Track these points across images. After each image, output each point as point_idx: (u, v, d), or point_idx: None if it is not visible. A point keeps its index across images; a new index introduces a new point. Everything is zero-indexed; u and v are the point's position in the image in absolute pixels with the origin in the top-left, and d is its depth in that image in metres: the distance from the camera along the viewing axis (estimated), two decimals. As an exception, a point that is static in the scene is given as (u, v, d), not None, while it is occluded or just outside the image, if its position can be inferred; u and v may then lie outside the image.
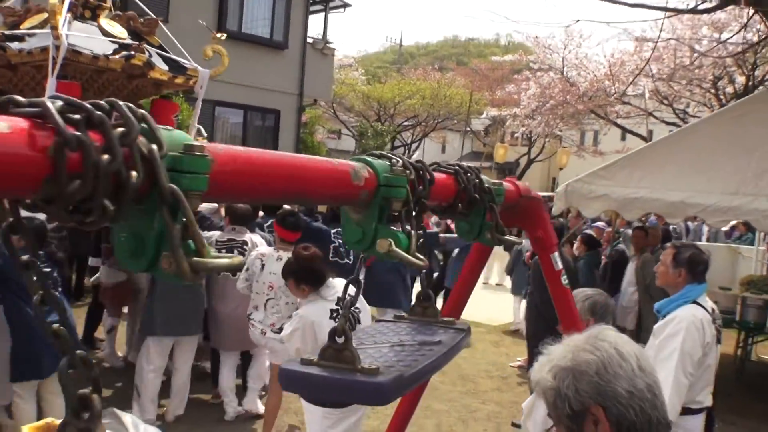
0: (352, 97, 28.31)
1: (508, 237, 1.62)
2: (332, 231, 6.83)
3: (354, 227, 1.20)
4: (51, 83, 4.84)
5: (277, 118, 17.14)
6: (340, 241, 6.80)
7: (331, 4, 19.35)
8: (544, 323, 5.48)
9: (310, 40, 17.90)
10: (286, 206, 5.33)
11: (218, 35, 6.12)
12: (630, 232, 8.76)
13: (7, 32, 5.30)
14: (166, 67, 5.69)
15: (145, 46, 5.48)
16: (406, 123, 29.98)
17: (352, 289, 1.24)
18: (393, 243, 1.15)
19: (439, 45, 68.66)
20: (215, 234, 5.49)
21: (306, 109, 22.40)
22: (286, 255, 4.73)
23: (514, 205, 1.84)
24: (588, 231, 9.15)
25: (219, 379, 5.47)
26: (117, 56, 5.19)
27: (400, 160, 1.24)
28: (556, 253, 2.12)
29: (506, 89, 24.09)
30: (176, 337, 5.16)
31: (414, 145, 33.89)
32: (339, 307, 3.54)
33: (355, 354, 1.13)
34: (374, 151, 1.27)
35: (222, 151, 0.85)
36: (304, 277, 3.82)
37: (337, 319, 3.44)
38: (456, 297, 2.24)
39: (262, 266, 4.83)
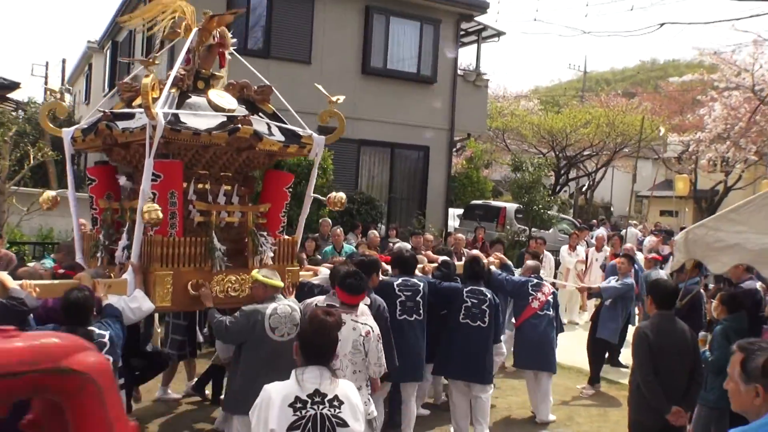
0: (523, 128, 27.49)
1: None
2: (465, 289, 6.31)
3: None
4: (147, 165, 4.69)
5: (426, 154, 16.77)
6: (474, 301, 6.16)
7: (484, 34, 18.75)
8: (649, 413, 4.61)
9: (460, 72, 17.43)
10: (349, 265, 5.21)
11: (335, 99, 5.75)
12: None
13: (116, 111, 5.26)
14: (277, 137, 5.40)
15: (253, 117, 5.22)
16: (585, 152, 28.50)
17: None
18: None
19: (636, 69, 65.01)
20: (317, 299, 5.16)
21: (465, 143, 21.99)
22: (349, 319, 4.53)
23: None
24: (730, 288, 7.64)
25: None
26: (220, 131, 4.96)
27: None
28: None
29: (697, 112, 21.98)
30: None
31: (598, 175, 32.15)
32: (309, 400, 2.98)
33: None
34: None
35: None
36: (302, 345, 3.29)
37: (297, 414, 2.92)
38: None
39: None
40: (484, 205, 19.54)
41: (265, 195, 5.63)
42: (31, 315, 4.29)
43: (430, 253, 7.71)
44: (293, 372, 3.04)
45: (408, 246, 9.02)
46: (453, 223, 18.62)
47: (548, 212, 17.04)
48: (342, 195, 6.01)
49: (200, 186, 5.25)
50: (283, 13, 14.66)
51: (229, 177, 5.48)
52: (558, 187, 28.83)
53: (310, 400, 2.94)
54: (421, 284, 6.18)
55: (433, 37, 16.35)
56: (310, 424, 2.92)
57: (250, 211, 5.36)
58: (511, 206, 18.28)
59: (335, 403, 2.99)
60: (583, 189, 33.82)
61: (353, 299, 4.66)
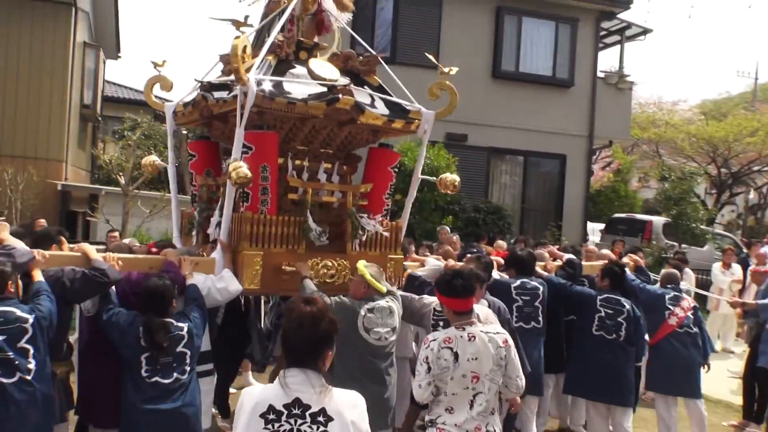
0: (679, 139, 24.89)
1: None
2: (598, 297, 5.52)
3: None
4: (238, 135, 4.36)
5: (562, 163, 15.83)
6: (609, 311, 5.36)
7: (628, 33, 17.57)
8: None
9: (601, 75, 16.39)
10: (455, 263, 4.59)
11: (446, 70, 5.21)
12: None
13: (214, 81, 5.01)
14: (381, 111, 4.94)
15: (354, 87, 4.78)
16: (754, 166, 25.55)
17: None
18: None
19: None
20: (434, 301, 4.53)
21: (611, 154, 20.71)
22: (478, 331, 3.71)
23: None
24: None
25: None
26: (318, 101, 4.56)
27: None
28: None
29: None
30: None
31: None
32: (285, 411, 2.33)
33: None
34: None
35: None
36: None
37: (267, 428, 2.30)
38: None
39: (455, 356, 3.66)
40: (628, 218, 18.12)
41: (367, 174, 5.16)
42: (114, 288, 4.08)
43: (554, 249, 6.91)
44: (279, 374, 2.43)
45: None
46: (593, 238, 17.40)
47: (701, 227, 15.46)
48: (455, 177, 5.41)
49: (298, 162, 4.87)
50: (410, 16, 14.38)
51: (330, 154, 5.07)
52: (720, 205, 26.32)
53: (286, 412, 2.30)
54: (542, 288, 5.47)
55: (569, 37, 15.46)
56: None
57: (350, 191, 4.91)
58: (659, 220, 16.79)
59: (320, 419, 2.31)
60: (754, 207, 30.65)
61: (465, 304, 3.80)
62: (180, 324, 3.96)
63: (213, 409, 6.27)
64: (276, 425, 2.27)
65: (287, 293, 4.47)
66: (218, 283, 4.28)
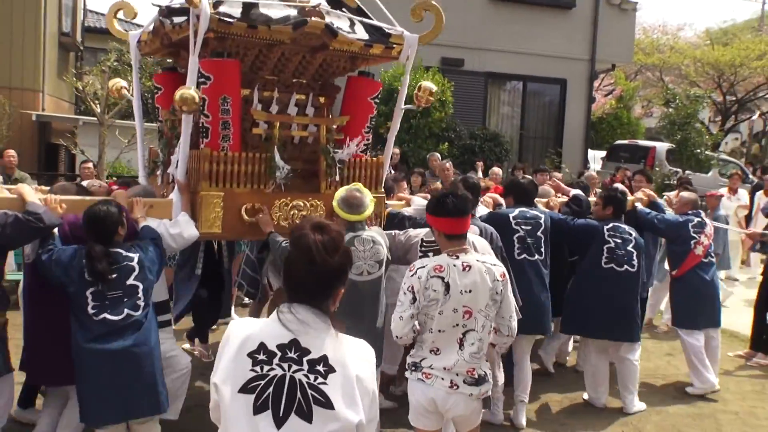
0: (683, 64, 24.17)
1: None
2: (605, 227, 5.18)
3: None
4: (192, 62, 3.92)
5: (563, 88, 15.31)
6: (618, 241, 5.06)
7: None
8: None
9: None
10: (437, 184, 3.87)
11: (431, -12, 4.68)
12: None
13: (174, 4, 4.51)
14: (359, 35, 4.46)
15: (327, 9, 4.30)
16: (760, 92, 24.69)
17: None
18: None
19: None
20: (422, 232, 4.18)
21: (612, 79, 20.04)
22: (474, 260, 3.33)
23: None
24: None
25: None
26: (283, 24, 4.09)
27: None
28: None
29: None
30: None
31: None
32: (278, 353, 1.88)
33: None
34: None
35: None
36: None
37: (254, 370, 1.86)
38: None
39: (446, 287, 3.28)
40: (631, 145, 17.66)
41: (345, 106, 4.71)
42: (57, 232, 3.72)
43: (560, 183, 6.48)
44: (277, 308, 1.96)
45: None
46: (595, 166, 17.01)
47: (706, 152, 15.02)
48: (430, 85, 4.94)
49: (266, 94, 4.43)
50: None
51: (303, 84, 4.62)
52: (725, 132, 25.71)
53: (280, 353, 1.87)
54: (543, 216, 5.09)
55: (572, -47, 14.67)
56: (270, 389, 1.83)
57: (323, 124, 4.48)
58: (662, 146, 16.34)
59: (319, 368, 1.86)
60: (758, 134, 30.04)
61: (458, 225, 3.37)
62: (130, 254, 3.61)
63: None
64: (265, 368, 1.84)
65: (252, 238, 4.10)
66: (172, 228, 3.92)
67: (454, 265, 3.30)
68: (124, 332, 3.52)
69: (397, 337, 3.37)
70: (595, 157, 18.22)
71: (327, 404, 1.82)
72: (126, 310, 3.54)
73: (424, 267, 3.33)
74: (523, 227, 4.98)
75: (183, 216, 3.97)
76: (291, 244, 1.93)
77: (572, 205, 5.60)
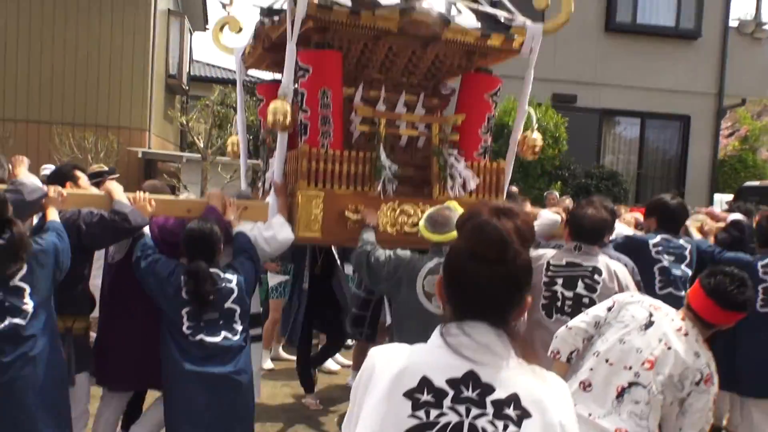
0: None
1: None
2: (760, 263, 4.38)
3: None
4: (290, 51, 3.59)
5: (685, 125, 14.37)
6: None
7: (763, -25, 15.71)
8: None
9: (734, 23, 14.71)
10: None
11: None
12: None
13: (274, 5, 4.26)
14: (472, 23, 4.04)
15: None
16: None
17: None
18: None
19: None
20: (548, 254, 3.59)
21: (726, 114, 18.89)
22: (686, 327, 2.73)
23: None
24: None
25: None
26: (389, 10, 3.72)
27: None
28: None
29: None
30: None
31: None
32: (449, 392, 1.33)
33: None
34: None
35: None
36: None
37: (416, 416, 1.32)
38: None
39: (648, 325, 2.71)
40: (762, 187, 16.32)
41: (460, 104, 4.27)
42: (148, 232, 3.45)
43: (714, 209, 5.67)
44: (438, 328, 1.42)
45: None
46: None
47: None
48: (536, 138, 4.39)
49: (372, 93, 4.06)
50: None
51: (414, 84, 4.21)
52: None
53: (452, 392, 1.33)
54: (689, 247, 4.34)
55: (695, -19, 13.91)
56: None
57: (435, 123, 4.04)
58: (802, 188, 14.99)
59: (509, 410, 1.31)
60: None
61: (730, 318, 2.73)
62: (228, 276, 3.33)
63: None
64: (432, 413, 1.31)
65: (354, 245, 3.66)
66: (266, 231, 3.57)
67: (672, 321, 2.73)
68: (224, 356, 3.26)
69: (553, 352, 2.85)
70: (721, 202, 16.94)
71: None
72: (223, 333, 3.28)
73: (636, 298, 2.90)
74: (665, 257, 4.28)
75: (278, 218, 3.62)
76: (464, 237, 1.39)
77: (732, 231, 4.80)
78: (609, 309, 2.83)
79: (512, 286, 1.35)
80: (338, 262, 5.12)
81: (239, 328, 3.31)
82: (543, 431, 1.30)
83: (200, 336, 3.22)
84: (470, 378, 1.32)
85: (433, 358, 1.35)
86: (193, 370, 3.18)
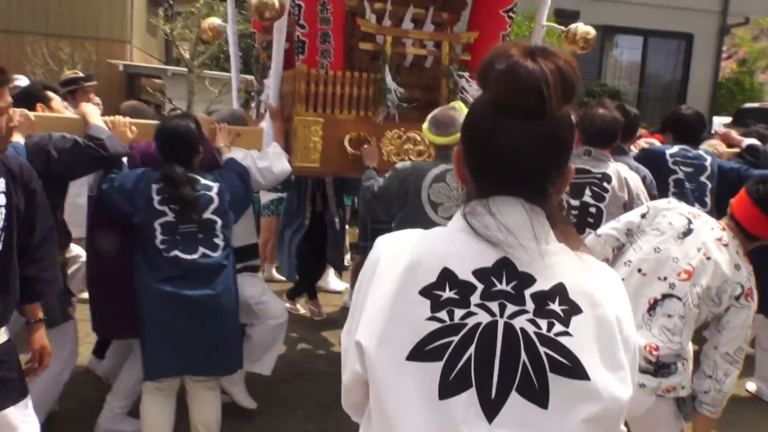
0: None
1: None
2: None
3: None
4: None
5: (688, 44, 13.94)
6: None
7: None
8: None
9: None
10: None
11: None
12: None
13: None
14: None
15: None
16: None
17: None
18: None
19: None
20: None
21: (729, 32, 18.43)
22: (727, 237, 2.45)
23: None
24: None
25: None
26: None
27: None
28: None
29: None
30: None
31: None
32: (478, 285, 1.01)
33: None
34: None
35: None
36: None
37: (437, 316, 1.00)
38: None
39: (687, 232, 2.47)
40: (761, 108, 16.04)
41: (472, 21, 3.90)
42: (126, 161, 3.11)
43: (730, 131, 5.42)
44: (458, 210, 1.11)
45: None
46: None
47: None
48: (588, 29, 4.06)
49: (378, 6, 3.67)
50: None
51: (423, -2, 3.82)
52: None
53: (481, 286, 1.01)
54: (710, 159, 4.12)
55: None
56: (471, 350, 0.99)
57: (445, 40, 3.68)
58: (802, 110, 14.73)
59: (553, 305, 1.01)
60: None
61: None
62: (207, 182, 2.97)
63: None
64: (457, 314, 1.01)
65: (357, 176, 3.37)
66: (260, 161, 3.25)
67: (712, 230, 2.47)
68: (202, 275, 2.92)
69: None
70: (719, 124, 16.71)
71: (575, 371, 0.98)
72: (201, 249, 2.93)
73: (674, 204, 2.64)
74: (682, 168, 4.05)
75: (274, 147, 3.30)
76: (491, 85, 1.03)
77: (747, 156, 4.60)
78: (643, 215, 2.60)
79: (554, 146, 1.04)
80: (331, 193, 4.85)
81: (220, 244, 2.98)
82: (597, 328, 1.02)
83: (175, 252, 2.88)
84: (503, 267, 1.02)
85: (455, 245, 1.05)
86: (167, 291, 2.86)
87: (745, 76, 19.21)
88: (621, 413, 1.01)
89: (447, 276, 1.02)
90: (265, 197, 5.71)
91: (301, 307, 5.51)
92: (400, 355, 1.00)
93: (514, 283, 1.01)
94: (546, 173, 1.05)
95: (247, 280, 3.39)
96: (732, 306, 2.40)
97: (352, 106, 3.43)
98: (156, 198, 2.87)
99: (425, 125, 3.19)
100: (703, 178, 4.05)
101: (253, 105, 4.09)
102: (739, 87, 18.99)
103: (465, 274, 1.02)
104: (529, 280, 1.02)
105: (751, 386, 4.43)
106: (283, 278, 5.84)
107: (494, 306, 1.00)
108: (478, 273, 1.02)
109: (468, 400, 0.97)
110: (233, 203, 3.04)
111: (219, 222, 2.96)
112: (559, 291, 1.02)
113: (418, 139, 3.53)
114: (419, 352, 0.99)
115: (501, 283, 1.01)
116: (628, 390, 1.02)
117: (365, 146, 3.39)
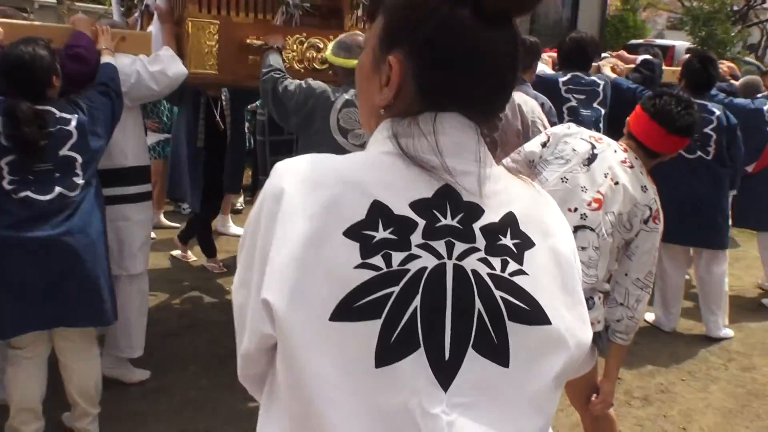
0: None
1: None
2: None
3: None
4: None
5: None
6: None
7: None
8: None
9: None
10: None
11: None
12: None
13: None
14: None
15: None
16: None
17: None
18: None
19: None
20: None
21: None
22: (629, 158, 2.42)
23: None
24: None
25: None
26: None
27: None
28: None
29: None
30: None
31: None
32: (419, 221, 0.82)
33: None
34: None
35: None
36: None
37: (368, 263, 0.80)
38: None
39: (591, 158, 2.39)
40: (646, 44, 16.63)
41: None
42: None
43: (623, 53, 5.52)
44: (384, 128, 0.89)
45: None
46: (605, 70, 16.06)
47: (731, 49, 14.09)
48: None
49: None
50: None
51: None
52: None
53: (422, 221, 0.82)
54: (602, 84, 4.19)
55: None
56: (415, 303, 0.78)
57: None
58: (681, 45, 15.32)
59: (505, 240, 0.85)
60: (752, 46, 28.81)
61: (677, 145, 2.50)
62: (65, 115, 2.68)
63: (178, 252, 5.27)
64: (396, 259, 0.80)
65: (256, 84, 3.16)
66: (152, 65, 2.99)
67: (615, 152, 2.42)
68: (54, 217, 2.64)
69: None
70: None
71: (535, 316, 0.84)
72: (58, 189, 2.65)
73: (574, 129, 2.53)
74: (575, 96, 4.10)
75: (166, 50, 3.05)
76: None
77: (642, 70, 4.68)
78: (544, 144, 2.50)
79: (517, 60, 0.88)
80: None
81: (80, 182, 2.71)
82: (551, 262, 0.88)
83: (26, 192, 2.59)
84: (446, 197, 0.84)
85: (384, 173, 0.85)
86: (13, 236, 2.56)
87: (628, 14, 19.93)
88: (581, 359, 0.90)
89: (379, 211, 0.82)
90: (151, 138, 5.37)
91: (193, 254, 5.27)
92: (321, 314, 0.78)
93: (460, 216, 0.84)
94: (501, 89, 0.89)
95: (136, 215, 3.17)
96: (641, 230, 2.38)
97: (249, 7, 3.20)
98: (2, 134, 2.56)
99: (329, 51, 3.03)
100: (596, 104, 4.10)
101: (136, 14, 3.74)
102: (623, 24, 19.70)
103: (401, 208, 0.82)
104: (476, 211, 0.85)
105: (650, 316, 4.58)
106: (173, 224, 5.64)
107: (440, 246, 0.82)
108: (417, 206, 0.83)
109: (415, 364, 0.78)
110: (97, 126, 2.76)
111: (79, 159, 2.69)
112: (510, 222, 0.86)
113: (321, 46, 3.34)
114: (347, 309, 0.78)
115: (446, 217, 0.83)
116: (590, 330, 0.91)
117: (270, 36, 3.16)
